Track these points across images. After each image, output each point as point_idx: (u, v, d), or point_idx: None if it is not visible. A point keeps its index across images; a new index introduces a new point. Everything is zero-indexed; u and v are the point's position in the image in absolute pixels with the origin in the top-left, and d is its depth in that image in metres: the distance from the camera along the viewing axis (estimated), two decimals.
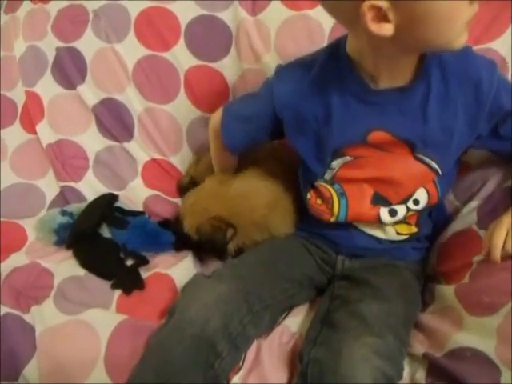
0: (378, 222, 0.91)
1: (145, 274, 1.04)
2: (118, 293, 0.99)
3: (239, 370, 0.83)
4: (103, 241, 1.11)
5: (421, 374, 0.80)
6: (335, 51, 0.86)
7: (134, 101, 1.32)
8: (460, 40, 0.71)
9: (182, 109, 1.32)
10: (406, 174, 0.87)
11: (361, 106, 0.84)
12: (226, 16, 1.25)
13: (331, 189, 0.92)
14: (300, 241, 1.02)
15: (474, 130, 0.84)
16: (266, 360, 0.84)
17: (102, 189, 1.30)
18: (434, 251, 1.00)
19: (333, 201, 0.91)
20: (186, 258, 1.08)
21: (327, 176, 0.92)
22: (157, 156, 1.35)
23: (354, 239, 0.96)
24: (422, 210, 0.92)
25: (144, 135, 1.34)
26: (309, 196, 0.96)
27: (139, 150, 1.34)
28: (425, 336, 0.86)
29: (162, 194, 1.31)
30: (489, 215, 0.92)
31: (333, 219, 0.92)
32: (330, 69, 0.85)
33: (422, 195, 0.90)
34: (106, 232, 1.13)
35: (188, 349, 0.75)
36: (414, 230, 0.95)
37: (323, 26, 1.16)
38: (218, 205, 1.01)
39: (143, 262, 1.07)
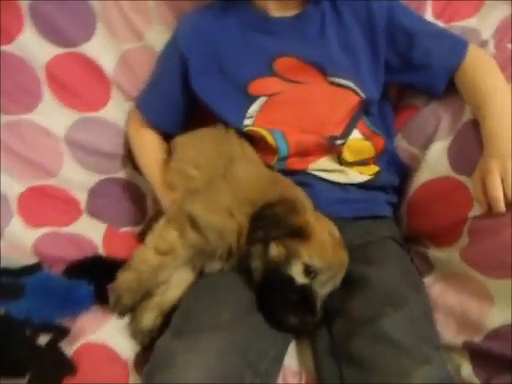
0: (329, 144, 0.86)
1: (70, 348, 0.77)
2: None
3: None
4: None
5: (467, 369, 0.71)
6: None
7: None
8: None
9: (52, 115, 1.04)
10: (326, 101, 0.89)
11: (260, 36, 0.93)
12: None
13: (258, 129, 0.88)
14: None
15: (377, 52, 0.92)
16: None
17: None
18: (404, 207, 0.93)
19: (265, 137, 0.86)
20: None
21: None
22: (34, 183, 1.03)
23: (318, 191, 0.85)
24: (376, 154, 0.91)
25: (11, 159, 1.01)
26: None
27: (9, 181, 1.01)
28: (447, 318, 0.76)
29: (56, 228, 1.01)
30: (462, 155, 0.84)
31: (277, 156, 0.86)
32: (228, 7, 0.96)
33: (356, 135, 0.90)
34: None
35: None
36: (375, 168, 0.91)
37: None
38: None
39: (62, 333, 0.80)
